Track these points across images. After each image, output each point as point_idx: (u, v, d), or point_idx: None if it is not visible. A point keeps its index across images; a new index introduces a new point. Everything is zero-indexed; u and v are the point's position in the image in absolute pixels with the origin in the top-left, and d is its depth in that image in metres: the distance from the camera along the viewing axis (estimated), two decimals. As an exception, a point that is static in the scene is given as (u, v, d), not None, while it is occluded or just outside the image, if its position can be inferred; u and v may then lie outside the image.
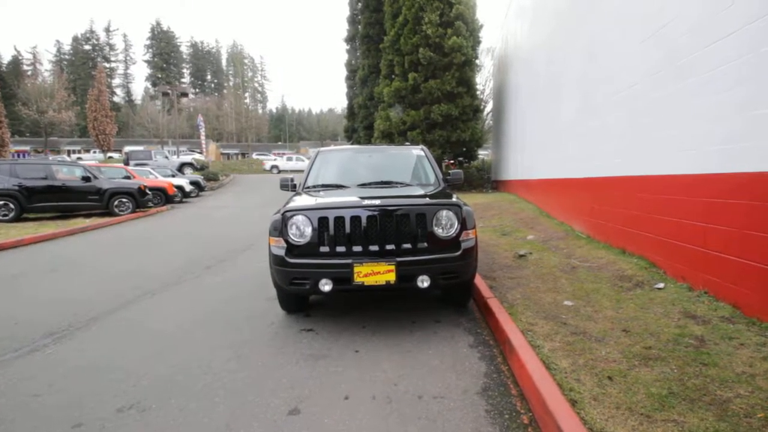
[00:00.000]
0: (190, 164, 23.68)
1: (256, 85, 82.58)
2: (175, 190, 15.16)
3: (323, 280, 2.94)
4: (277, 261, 3.07)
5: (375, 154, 4.74)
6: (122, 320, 3.65)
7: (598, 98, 5.81)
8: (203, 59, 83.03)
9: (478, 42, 15.18)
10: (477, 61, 15.27)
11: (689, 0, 3.71)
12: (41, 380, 2.56)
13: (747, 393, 1.99)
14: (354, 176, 4.24)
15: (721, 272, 3.18)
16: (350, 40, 22.52)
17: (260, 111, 78.90)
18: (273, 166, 31.45)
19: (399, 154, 4.71)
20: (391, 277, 2.88)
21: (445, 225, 3.08)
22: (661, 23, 4.10)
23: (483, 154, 20.03)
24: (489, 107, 20.91)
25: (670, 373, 2.23)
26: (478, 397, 2.24)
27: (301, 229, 3.06)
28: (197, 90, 73.55)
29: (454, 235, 3.09)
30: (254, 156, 48.50)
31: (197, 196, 18.64)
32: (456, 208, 3.14)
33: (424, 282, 2.95)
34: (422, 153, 4.64)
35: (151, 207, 12.70)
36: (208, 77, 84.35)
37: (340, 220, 3.02)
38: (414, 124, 14.93)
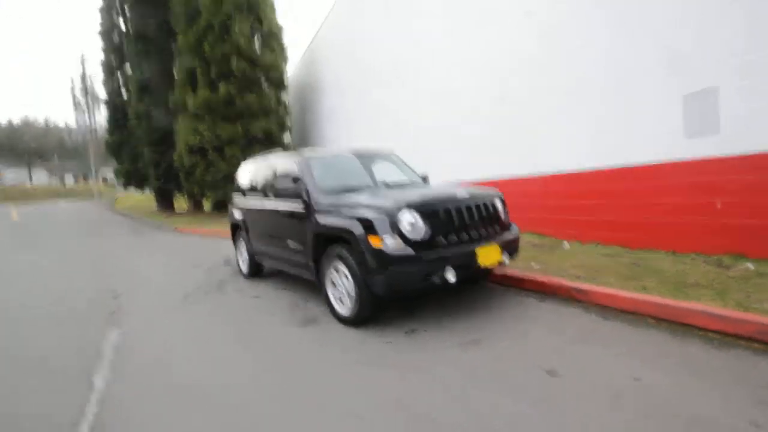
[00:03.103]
0: None
1: None
2: None
3: (450, 270, 3.06)
4: (403, 260, 2.95)
5: (370, 158, 4.73)
6: None
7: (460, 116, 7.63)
8: None
9: (286, 61, 15.58)
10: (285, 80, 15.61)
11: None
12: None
13: (700, 276, 3.67)
14: (368, 178, 4.26)
15: (606, 229, 5.21)
16: (107, 34, 18.11)
17: None
18: None
19: (385, 157, 4.89)
20: (499, 257, 3.34)
21: (504, 210, 3.76)
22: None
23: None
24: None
25: (663, 278, 3.71)
26: (611, 321, 3.09)
27: (415, 224, 3.06)
28: None
29: (508, 218, 3.82)
30: None
31: None
32: (502, 196, 3.86)
33: (507, 259, 3.53)
34: (397, 157, 5.02)
35: None
36: None
37: (448, 212, 3.21)
38: (231, 138, 13.82)
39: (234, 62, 13.31)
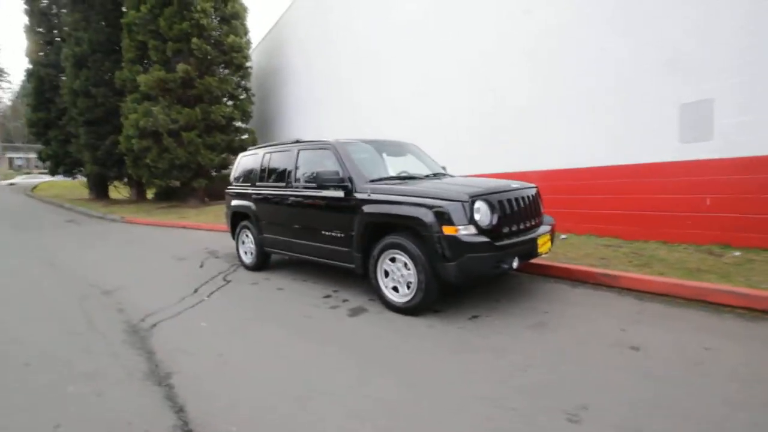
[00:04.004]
0: None
1: None
2: None
3: (515, 258, 3.20)
4: (478, 247, 3.03)
5: (397, 147, 4.71)
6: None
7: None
8: None
9: (249, 45, 14.75)
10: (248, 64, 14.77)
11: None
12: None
13: (699, 263, 4.19)
14: (408, 168, 4.33)
15: (600, 221, 5.70)
16: (32, -2, 15.72)
17: None
18: None
19: (410, 147, 4.89)
20: (549, 245, 3.54)
21: (540, 201, 3.98)
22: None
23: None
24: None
25: (669, 265, 4.17)
26: (648, 303, 3.43)
27: (485, 214, 3.16)
28: None
29: (543, 209, 4.05)
30: None
31: None
32: (537, 188, 4.08)
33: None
34: (417, 147, 5.06)
35: None
36: None
37: (509, 202, 3.35)
38: (189, 124, 12.81)
39: (195, 42, 12.32)
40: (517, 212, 3.41)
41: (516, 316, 3.28)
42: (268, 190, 4.91)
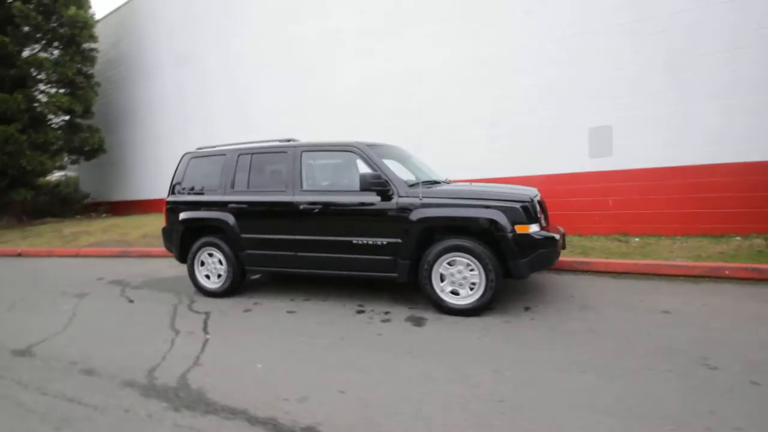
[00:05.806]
0: None
1: None
2: None
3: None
4: (546, 244, 3.38)
5: (404, 152, 4.62)
6: None
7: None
8: None
9: (95, 22, 11.75)
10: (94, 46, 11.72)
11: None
12: None
13: (617, 247, 5.52)
14: (427, 174, 4.40)
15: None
16: None
17: None
18: None
19: (408, 152, 4.85)
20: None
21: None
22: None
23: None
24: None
25: (600, 251, 5.38)
26: (622, 281, 4.38)
27: (539, 214, 3.53)
28: None
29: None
30: None
31: None
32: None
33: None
34: (406, 151, 5.10)
35: None
36: None
37: (541, 204, 3.81)
38: (6, 115, 9.42)
39: (18, 7, 9.23)
40: (545, 212, 3.91)
41: (557, 303, 3.73)
42: (255, 197, 4.18)
